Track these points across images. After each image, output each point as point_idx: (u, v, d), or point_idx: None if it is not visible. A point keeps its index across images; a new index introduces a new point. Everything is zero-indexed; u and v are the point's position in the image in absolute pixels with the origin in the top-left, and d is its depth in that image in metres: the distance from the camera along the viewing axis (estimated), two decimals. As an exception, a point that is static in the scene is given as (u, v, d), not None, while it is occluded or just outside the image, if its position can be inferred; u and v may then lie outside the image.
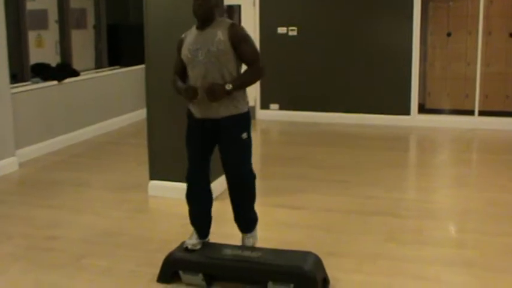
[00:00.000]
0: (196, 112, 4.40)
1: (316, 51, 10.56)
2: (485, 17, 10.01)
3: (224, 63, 4.24)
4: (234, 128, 4.35)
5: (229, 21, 4.41)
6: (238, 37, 4.29)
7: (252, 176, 4.50)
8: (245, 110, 4.40)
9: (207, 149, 4.50)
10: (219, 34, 4.25)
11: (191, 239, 4.56)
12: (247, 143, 4.41)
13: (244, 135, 4.37)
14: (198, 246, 4.53)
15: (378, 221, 5.70)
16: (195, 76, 4.33)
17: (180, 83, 4.46)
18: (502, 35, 10.43)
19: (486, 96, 10.34)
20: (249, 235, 4.66)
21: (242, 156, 4.43)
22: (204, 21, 4.32)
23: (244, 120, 4.40)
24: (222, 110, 4.30)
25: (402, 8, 10.06)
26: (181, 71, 4.49)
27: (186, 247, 4.52)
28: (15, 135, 7.68)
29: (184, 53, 4.37)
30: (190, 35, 4.43)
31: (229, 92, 4.16)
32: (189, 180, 4.56)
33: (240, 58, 4.32)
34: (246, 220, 4.64)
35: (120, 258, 4.92)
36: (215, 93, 4.11)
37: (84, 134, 9.33)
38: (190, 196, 4.60)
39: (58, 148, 8.65)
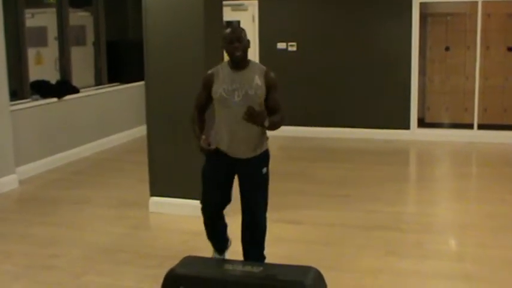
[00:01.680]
0: (226, 151, 4.40)
1: (316, 66, 10.60)
2: (483, 32, 10.06)
3: (256, 107, 4.21)
4: (255, 165, 4.44)
5: (263, 66, 4.45)
6: (273, 85, 4.37)
7: (265, 212, 4.55)
8: (266, 147, 4.51)
9: (226, 182, 4.52)
10: (257, 79, 4.30)
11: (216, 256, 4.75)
12: (266, 177, 4.50)
13: (264, 170, 4.46)
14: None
15: (379, 235, 5.70)
16: (226, 116, 4.33)
17: (197, 129, 4.45)
18: (500, 49, 10.49)
19: (485, 109, 10.38)
20: None
21: (261, 190, 4.49)
22: (239, 63, 4.32)
23: (266, 156, 4.51)
24: (253, 151, 4.40)
25: (401, 23, 10.11)
26: (203, 107, 4.49)
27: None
28: (15, 153, 7.69)
29: (219, 92, 4.31)
30: (223, 73, 4.37)
31: (263, 126, 4.20)
32: (206, 211, 4.57)
33: (267, 103, 4.37)
34: (256, 257, 4.62)
35: (121, 275, 4.91)
36: (256, 118, 4.09)
37: (84, 151, 9.33)
38: (207, 225, 4.64)
39: (58, 165, 8.65)
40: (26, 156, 8.07)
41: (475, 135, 10.11)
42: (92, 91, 9.87)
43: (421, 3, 10.05)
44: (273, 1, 10.76)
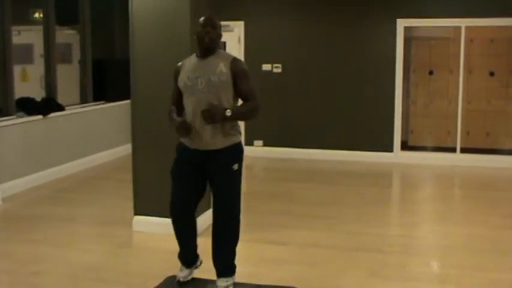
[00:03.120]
0: (188, 143, 4.36)
1: (301, 88, 10.67)
2: (466, 56, 10.20)
3: (222, 95, 4.23)
4: (225, 158, 4.33)
5: (231, 55, 4.44)
6: (240, 72, 4.33)
7: (238, 211, 4.45)
8: (237, 140, 4.40)
9: (197, 181, 4.43)
10: (221, 66, 4.27)
11: (181, 272, 4.57)
12: (237, 174, 4.39)
13: (235, 167, 4.35)
14: (190, 277, 4.55)
15: (362, 257, 5.72)
16: (191, 103, 4.29)
17: (175, 115, 4.38)
18: (483, 74, 10.62)
19: (468, 133, 10.47)
20: (225, 280, 4.48)
21: (232, 188, 4.38)
22: (208, 49, 4.32)
23: (236, 151, 4.39)
24: (215, 142, 4.28)
25: (385, 46, 10.22)
26: (179, 101, 4.44)
27: (178, 280, 4.52)
28: (-1, 170, 7.67)
29: (183, 79, 4.34)
30: (189, 62, 4.41)
31: (226, 118, 4.14)
32: (174, 210, 4.49)
33: (238, 93, 4.33)
34: (225, 260, 4.49)
35: (104, 293, 4.90)
36: (214, 115, 4.08)
37: (69, 169, 9.31)
38: (176, 224, 4.53)
39: (42, 182, 8.61)
40: (10, 173, 8.04)
41: (457, 158, 10.19)
42: (77, 109, 9.88)
43: (405, 27, 10.17)
44: (259, 23, 10.84)
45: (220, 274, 4.49)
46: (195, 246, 4.65)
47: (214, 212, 4.44)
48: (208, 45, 4.29)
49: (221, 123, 4.22)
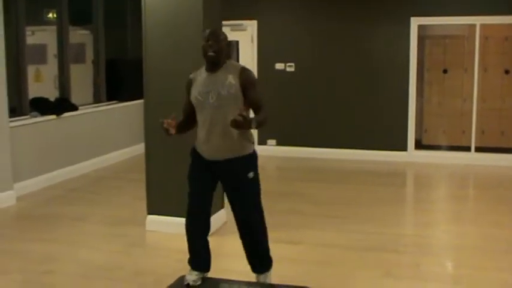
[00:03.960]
0: (203, 153, 4.43)
1: (314, 87, 10.64)
2: (481, 54, 10.12)
3: (233, 107, 4.23)
4: (240, 168, 4.40)
5: (239, 64, 4.46)
6: (249, 82, 4.34)
7: (260, 213, 4.53)
8: (251, 150, 4.46)
9: (210, 185, 4.52)
10: (230, 78, 4.29)
11: (191, 275, 4.55)
12: (254, 181, 4.45)
13: (251, 175, 4.40)
14: (199, 282, 4.52)
15: (375, 257, 5.70)
16: (203, 117, 4.36)
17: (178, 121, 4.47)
18: (498, 72, 10.53)
19: (482, 132, 10.39)
20: (264, 275, 4.62)
21: (249, 195, 4.46)
22: (214, 63, 4.34)
23: (251, 160, 4.45)
24: (230, 153, 4.36)
25: (399, 45, 10.17)
26: (189, 112, 4.51)
27: (187, 283, 4.51)
28: (13, 169, 7.69)
29: (194, 95, 4.39)
30: (200, 76, 4.44)
31: (251, 127, 4.15)
32: (190, 214, 4.54)
33: (248, 102, 4.34)
34: (260, 258, 4.61)
35: (117, 293, 4.91)
36: (243, 126, 4.04)
37: (82, 168, 9.34)
38: (190, 229, 4.57)
39: (56, 182, 8.65)
40: (24, 173, 8.07)
41: (472, 157, 10.13)
42: (91, 109, 9.90)
43: (419, 26, 10.12)
44: (272, 21, 10.82)
45: (258, 272, 4.63)
46: (208, 252, 4.67)
47: (236, 219, 4.53)
48: (213, 58, 4.31)
49: (232, 136, 4.30)
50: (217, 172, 4.43)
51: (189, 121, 4.54)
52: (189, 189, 4.54)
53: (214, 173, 4.44)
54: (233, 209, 4.52)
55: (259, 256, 4.60)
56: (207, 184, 4.50)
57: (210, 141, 4.34)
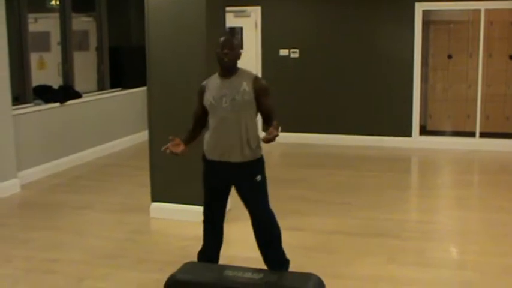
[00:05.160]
0: (214, 157, 4.51)
1: (318, 73, 10.61)
2: (486, 39, 10.07)
3: (245, 113, 4.40)
4: (249, 170, 4.50)
5: (252, 73, 4.58)
6: (263, 90, 4.46)
7: (271, 214, 4.63)
8: (259, 155, 4.55)
9: (227, 191, 4.64)
10: (244, 84, 4.40)
11: None
12: (262, 183, 4.56)
13: (259, 178, 4.52)
14: None
15: (379, 243, 5.69)
16: (217, 122, 4.45)
17: (186, 134, 4.64)
18: (502, 57, 10.49)
19: (487, 117, 10.37)
20: None
21: (258, 196, 4.57)
22: (229, 69, 4.46)
23: (259, 164, 4.57)
24: (241, 158, 4.44)
25: (404, 30, 10.12)
26: (199, 117, 4.62)
27: None
28: (17, 157, 7.70)
29: (208, 99, 4.47)
30: (213, 82, 4.54)
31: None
32: (206, 220, 4.68)
33: (260, 109, 4.47)
34: (275, 259, 4.69)
35: (121, 280, 4.91)
36: (275, 137, 4.16)
37: (86, 156, 9.34)
38: (206, 235, 4.72)
39: (60, 170, 8.65)
40: (28, 161, 8.08)
41: (476, 143, 10.10)
42: (94, 96, 9.89)
43: (424, 11, 10.06)
44: (276, 7, 10.78)
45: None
46: (217, 257, 4.77)
47: (250, 217, 4.62)
48: (228, 65, 4.44)
49: (243, 139, 4.41)
50: (228, 176, 4.52)
51: (197, 126, 4.67)
52: (204, 198, 4.66)
53: (226, 178, 4.54)
54: (247, 208, 4.61)
55: (273, 257, 4.69)
56: (221, 195, 4.63)
57: (222, 145, 4.44)
